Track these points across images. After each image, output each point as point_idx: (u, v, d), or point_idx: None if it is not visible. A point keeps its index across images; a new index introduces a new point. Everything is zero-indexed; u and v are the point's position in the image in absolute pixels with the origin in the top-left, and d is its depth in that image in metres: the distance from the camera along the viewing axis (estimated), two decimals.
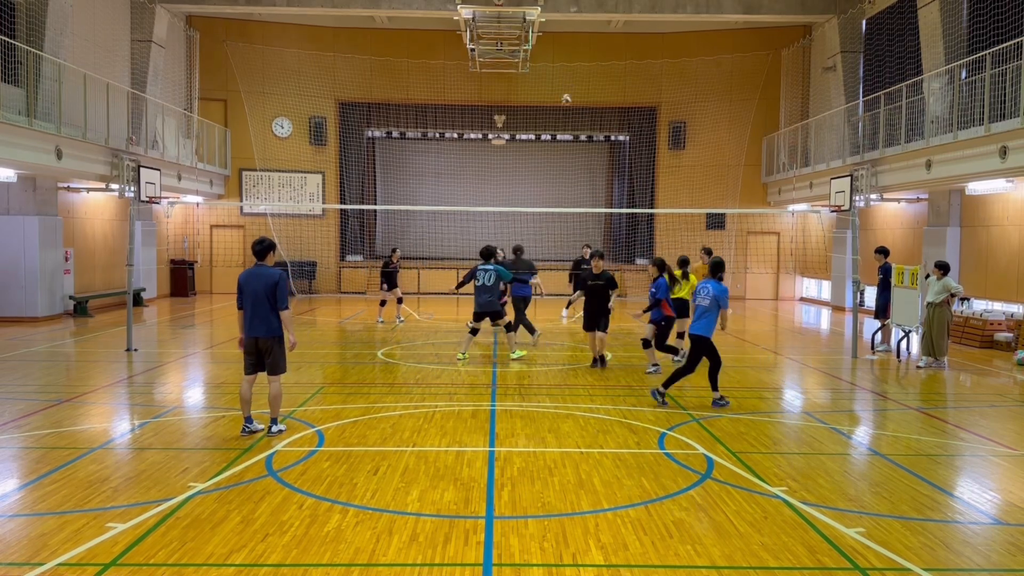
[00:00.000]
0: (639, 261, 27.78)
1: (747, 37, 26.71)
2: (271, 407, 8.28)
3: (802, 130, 24.44)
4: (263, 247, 8.17)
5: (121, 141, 19.18)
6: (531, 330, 14.28)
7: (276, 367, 8.16)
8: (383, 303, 18.74)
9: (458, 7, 20.00)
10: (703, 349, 9.92)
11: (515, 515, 6.04)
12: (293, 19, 25.89)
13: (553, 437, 8.36)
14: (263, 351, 8.09)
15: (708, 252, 15.12)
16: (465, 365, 12.82)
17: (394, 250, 18.83)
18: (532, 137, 28.25)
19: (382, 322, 18.23)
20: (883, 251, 15.32)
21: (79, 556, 5.18)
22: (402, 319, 18.97)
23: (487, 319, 13.42)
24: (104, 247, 21.67)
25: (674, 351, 12.86)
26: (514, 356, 13.33)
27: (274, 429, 8.29)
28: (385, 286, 18.43)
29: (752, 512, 6.15)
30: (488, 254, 13.48)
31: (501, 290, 13.50)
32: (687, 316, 13.15)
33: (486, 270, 13.18)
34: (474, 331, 13.47)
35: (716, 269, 10.08)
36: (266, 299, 7.97)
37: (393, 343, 15.51)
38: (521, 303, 14.82)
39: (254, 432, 8.25)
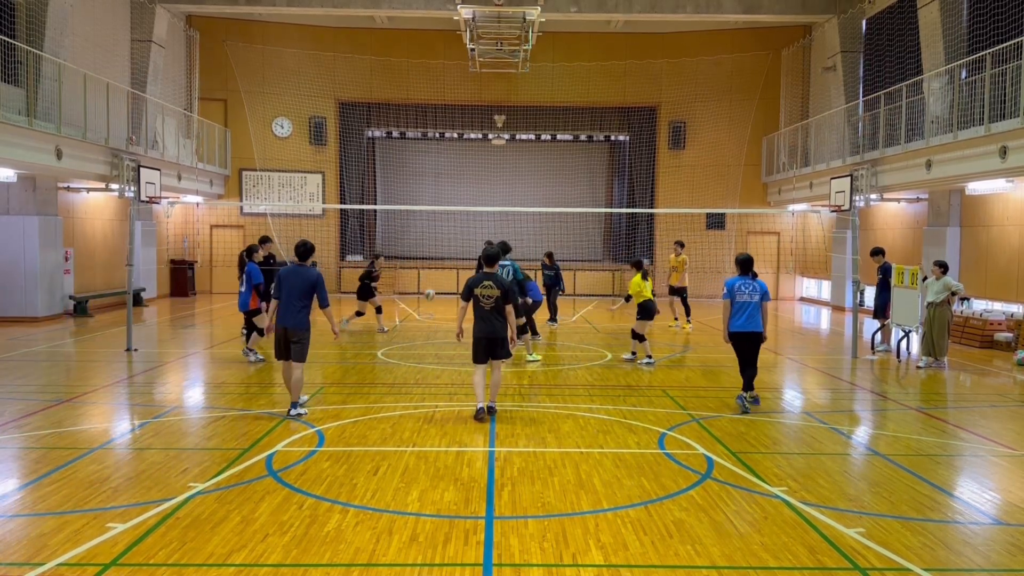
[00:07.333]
0: None
1: (747, 37, 26.69)
2: (291, 391, 9.09)
3: (802, 130, 24.43)
4: (306, 249, 9.20)
5: (121, 141, 19.17)
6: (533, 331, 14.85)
7: (300, 355, 8.96)
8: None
9: (458, 7, 19.99)
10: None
11: (515, 515, 6.04)
12: (293, 19, 25.88)
13: (553, 437, 8.36)
14: (290, 340, 8.90)
15: (680, 245, 15.44)
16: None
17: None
18: (532, 137, 28.24)
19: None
20: (879, 251, 15.31)
21: (79, 556, 5.17)
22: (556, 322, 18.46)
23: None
24: (104, 247, 21.67)
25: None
26: (530, 358, 13.38)
27: (292, 412, 9.01)
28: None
29: (752, 512, 6.15)
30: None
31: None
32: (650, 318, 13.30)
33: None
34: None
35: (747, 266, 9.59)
36: (300, 296, 8.87)
37: (393, 343, 15.51)
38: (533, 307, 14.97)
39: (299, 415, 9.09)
